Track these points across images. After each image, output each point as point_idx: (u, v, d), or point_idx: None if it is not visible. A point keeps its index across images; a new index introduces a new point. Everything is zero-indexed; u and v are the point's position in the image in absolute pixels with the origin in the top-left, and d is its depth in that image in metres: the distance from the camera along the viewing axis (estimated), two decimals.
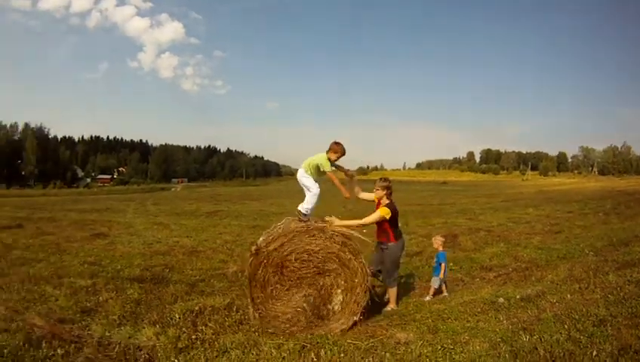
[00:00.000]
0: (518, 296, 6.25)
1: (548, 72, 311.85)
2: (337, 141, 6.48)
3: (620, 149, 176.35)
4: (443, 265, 7.19)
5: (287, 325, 5.83)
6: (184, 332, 5.66)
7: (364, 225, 6.20)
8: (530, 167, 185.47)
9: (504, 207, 24.74)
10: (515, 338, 4.70)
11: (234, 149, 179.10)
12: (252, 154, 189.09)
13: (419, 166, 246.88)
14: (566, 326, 4.83)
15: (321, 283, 5.91)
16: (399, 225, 6.73)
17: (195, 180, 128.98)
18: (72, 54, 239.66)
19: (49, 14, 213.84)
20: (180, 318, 6.25)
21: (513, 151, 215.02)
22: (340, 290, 5.90)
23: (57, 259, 10.74)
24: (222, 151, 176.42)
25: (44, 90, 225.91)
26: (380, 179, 6.68)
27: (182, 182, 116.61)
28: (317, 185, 6.46)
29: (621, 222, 15.38)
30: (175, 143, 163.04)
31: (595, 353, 4.13)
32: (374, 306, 6.47)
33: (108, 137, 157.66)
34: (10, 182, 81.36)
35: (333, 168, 6.56)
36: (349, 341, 5.15)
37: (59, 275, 8.93)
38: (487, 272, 8.74)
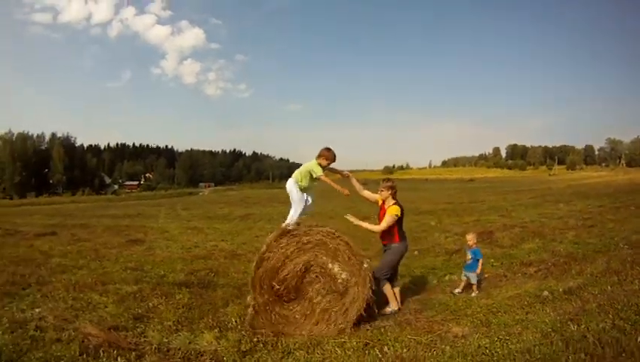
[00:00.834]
0: (561, 289, 6.52)
1: (572, 64, 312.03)
2: (328, 147, 6.64)
3: None
4: (481, 261, 7.33)
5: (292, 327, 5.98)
6: (244, 336, 5.69)
7: (379, 231, 6.51)
8: (557, 161, 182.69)
9: (534, 203, 24.66)
10: (564, 328, 4.92)
11: (259, 152, 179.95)
12: (277, 157, 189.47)
13: (445, 163, 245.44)
14: (610, 316, 5.05)
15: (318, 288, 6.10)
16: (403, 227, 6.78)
17: (221, 184, 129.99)
18: (95, 64, 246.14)
19: (70, 26, 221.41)
20: (236, 322, 6.24)
21: (539, 146, 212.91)
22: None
23: (98, 266, 10.73)
24: (247, 154, 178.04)
25: (70, 100, 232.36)
26: (384, 179, 6.77)
27: (209, 186, 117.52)
28: (303, 196, 6.65)
29: None
30: (200, 148, 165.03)
31: (639, 339, 4.35)
32: (427, 301, 6.93)
33: (134, 144, 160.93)
34: (39, 190, 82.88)
35: (325, 172, 6.68)
36: (409, 336, 5.24)
37: (103, 282, 8.89)
38: (528, 267, 8.80)
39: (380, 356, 4.78)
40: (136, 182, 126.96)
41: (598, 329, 4.68)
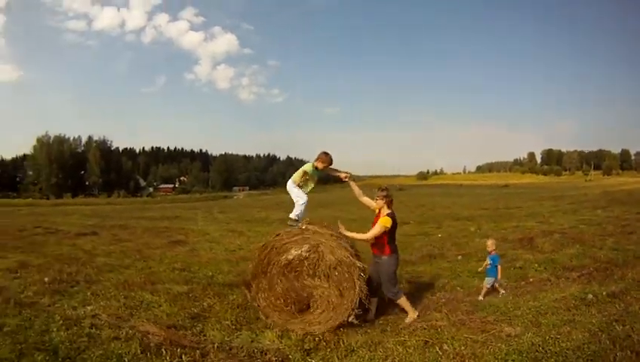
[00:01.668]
0: (604, 293, 6.69)
1: (608, 66, 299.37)
2: (326, 151, 6.93)
3: None
4: (499, 267, 7.53)
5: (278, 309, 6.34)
6: (307, 335, 5.82)
7: (367, 240, 6.52)
8: (592, 166, 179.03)
9: (572, 210, 24.30)
10: (610, 328, 5.17)
11: (294, 157, 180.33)
12: (312, 162, 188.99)
13: (479, 169, 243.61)
14: None
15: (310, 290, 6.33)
16: (396, 238, 6.83)
17: (256, 188, 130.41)
18: (130, 70, 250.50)
19: (104, 33, 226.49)
20: None
21: (575, 151, 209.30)
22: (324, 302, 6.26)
23: (144, 266, 10.80)
24: (281, 159, 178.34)
25: (105, 105, 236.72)
26: (380, 188, 6.77)
27: (243, 190, 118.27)
28: (304, 195, 6.91)
29: None
30: (235, 152, 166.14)
31: None
32: (477, 303, 7.01)
33: (168, 148, 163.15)
34: (74, 191, 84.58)
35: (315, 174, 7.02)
36: (465, 335, 5.38)
37: (152, 281, 8.90)
38: (570, 272, 8.88)
39: (440, 353, 4.94)
40: (170, 186, 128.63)
41: None
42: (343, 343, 5.47)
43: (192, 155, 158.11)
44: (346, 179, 7.06)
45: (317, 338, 5.65)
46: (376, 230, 6.38)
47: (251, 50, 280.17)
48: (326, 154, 6.91)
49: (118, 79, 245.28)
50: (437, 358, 4.85)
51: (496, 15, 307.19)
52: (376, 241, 6.52)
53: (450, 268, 9.83)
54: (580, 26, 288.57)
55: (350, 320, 6.05)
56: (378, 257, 6.59)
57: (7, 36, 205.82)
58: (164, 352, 5.10)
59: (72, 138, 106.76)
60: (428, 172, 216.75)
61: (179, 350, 5.19)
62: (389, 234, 6.48)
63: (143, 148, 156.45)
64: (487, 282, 7.51)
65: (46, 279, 8.79)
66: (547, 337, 5.06)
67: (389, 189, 6.76)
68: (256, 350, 5.32)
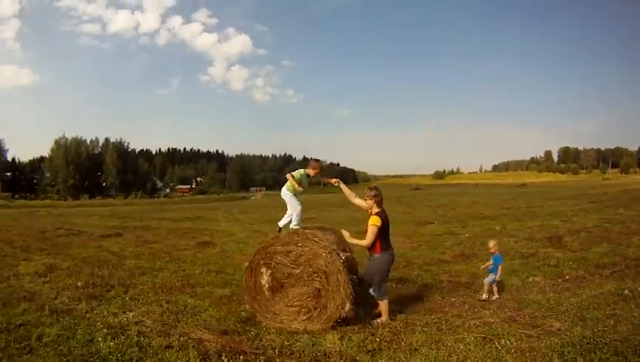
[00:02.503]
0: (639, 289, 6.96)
1: (624, 63, 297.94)
2: (317, 159, 7.52)
3: None
4: (500, 266, 7.68)
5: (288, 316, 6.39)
6: (368, 335, 5.68)
7: (366, 245, 6.48)
8: (610, 164, 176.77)
9: (594, 208, 24.52)
10: None
11: (310, 156, 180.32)
12: (327, 161, 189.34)
13: (495, 168, 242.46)
14: None
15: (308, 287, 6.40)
16: (390, 237, 6.77)
17: (272, 188, 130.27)
18: (145, 72, 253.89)
19: (119, 36, 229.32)
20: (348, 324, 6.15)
21: (592, 149, 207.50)
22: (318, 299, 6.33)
23: (177, 268, 10.54)
24: (298, 159, 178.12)
25: (121, 107, 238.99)
26: (369, 188, 6.79)
27: (260, 190, 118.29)
28: (297, 202, 7.26)
29: None
30: (250, 153, 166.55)
31: None
32: (521, 301, 7.13)
33: (185, 149, 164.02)
34: (91, 193, 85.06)
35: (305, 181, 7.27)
36: (519, 331, 5.49)
37: (190, 284, 8.68)
38: (603, 269, 8.99)
39: (500, 348, 4.99)
40: (187, 186, 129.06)
41: None
42: (404, 342, 5.36)
43: (208, 156, 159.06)
44: (337, 184, 7.21)
45: (377, 339, 5.52)
46: (369, 233, 6.40)
47: (265, 50, 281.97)
48: (317, 161, 7.49)
49: (133, 81, 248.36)
50: (498, 354, 4.87)
51: (512, 13, 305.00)
52: None
53: (486, 268, 9.47)
54: (599, 24, 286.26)
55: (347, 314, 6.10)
56: (371, 256, 6.62)
57: (22, 41, 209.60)
58: (226, 360, 4.91)
59: (89, 140, 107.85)
60: (444, 171, 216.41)
61: (241, 357, 5.01)
62: (381, 232, 6.45)
63: (159, 149, 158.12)
64: (488, 281, 7.65)
65: (79, 283, 8.53)
66: (595, 330, 5.28)
67: (378, 188, 6.78)
68: (319, 353, 5.15)
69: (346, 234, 6.71)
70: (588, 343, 4.89)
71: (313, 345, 5.45)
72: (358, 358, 5.01)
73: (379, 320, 6.49)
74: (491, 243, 7.97)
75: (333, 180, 7.22)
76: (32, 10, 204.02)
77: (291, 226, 7.12)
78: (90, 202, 62.52)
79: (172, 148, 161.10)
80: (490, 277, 7.63)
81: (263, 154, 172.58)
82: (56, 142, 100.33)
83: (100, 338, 5.41)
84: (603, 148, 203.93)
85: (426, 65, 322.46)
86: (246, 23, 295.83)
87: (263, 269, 6.58)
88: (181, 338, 5.45)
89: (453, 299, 7.56)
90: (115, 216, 30.50)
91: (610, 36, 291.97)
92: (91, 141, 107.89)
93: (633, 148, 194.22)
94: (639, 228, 14.29)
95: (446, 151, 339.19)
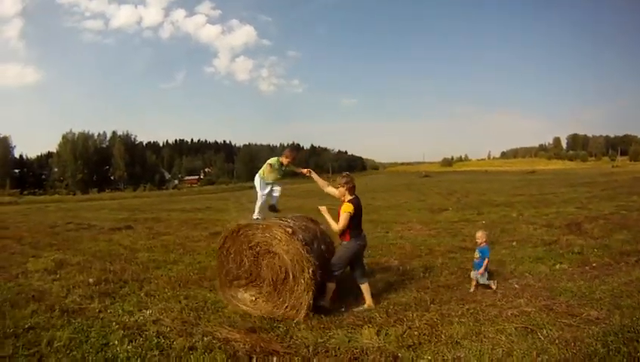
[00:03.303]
0: None
1: (633, 49, 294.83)
2: (291, 148, 8.29)
3: None
4: (487, 260, 7.45)
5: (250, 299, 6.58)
6: (406, 329, 5.43)
7: (339, 231, 6.56)
8: (619, 152, 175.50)
9: (607, 196, 24.63)
10: None
11: (317, 145, 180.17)
12: (335, 150, 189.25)
13: (504, 155, 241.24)
14: None
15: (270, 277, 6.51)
16: (362, 225, 6.91)
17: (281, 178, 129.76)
18: (150, 65, 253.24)
19: (122, 31, 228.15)
20: (382, 316, 6.01)
21: (601, 136, 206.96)
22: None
23: (192, 261, 10.22)
24: (305, 148, 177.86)
25: (127, 101, 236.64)
26: (341, 175, 6.92)
27: None
28: (266, 188, 7.38)
29: None
30: (258, 143, 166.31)
31: None
32: (552, 289, 6.90)
33: (192, 140, 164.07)
34: (100, 186, 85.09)
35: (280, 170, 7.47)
36: (558, 320, 5.39)
37: (207, 278, 8.32)
38: (627, 257, 9.00)
39: (542, 338, 4.88)
40: (195, 177, 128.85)
41: None
42: (444, 335, 5.15)
43: (215, 147, 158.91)
44: (308, 174, 7.46)
45: (416, 333, 5.28)
46: (341, 219, 6.48)
47: (270, 41, 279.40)
48: (290, 150, 7.60)
49: (138, 75, 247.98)
50: (542, 344, 4.74)
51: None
52: None
53: (510, 255, 9.77)
54: (606, 11, 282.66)
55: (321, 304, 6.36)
56: (341, 242, 6.77)
57: (26, 39, 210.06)
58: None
59: (96, 134, 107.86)
60: (452, 158, 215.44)
61: (274, 359, 4.76)
62: (352, 220, 6.52)
63: (167, 141, 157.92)
64: (479, 279, 7.43)
65: (90, 280, 8.18)
66: (633, 318, 5.20)
67: (350, 176, 6.88)
68: (356, 350, 4.90)
69: (322, 208, 6.74)
70: (629, 331, 4.82)
71: (349, 341, 5.18)
72: (400, 354, 4.74)
73: (322, 302, 6.49)
74: (479, 234, 7.75)
75: (305, 170, 7.51)
76: (35, 8, 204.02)
77: (253, 216, 7.25)
78: (99, 196, 62.20)
79: (179, 140, 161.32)
80: (478, 275, 7.42)
81: (271, 144, 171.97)
82: (64, 137, 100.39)
83: (116, 341, 5.03)
84: (612, 136, 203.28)
85: (433, 54, 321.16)
86: (249, 14, 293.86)
87: (232, 256, 6.75)
88: (205, 339, 5.13)
89: (483, 288, 7.35)
90: (124, 208, 30.17)
91: (618, 22, 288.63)
92: (99, 135, 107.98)
93: None
94: None
95: (454, 138, 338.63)
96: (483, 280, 7.36)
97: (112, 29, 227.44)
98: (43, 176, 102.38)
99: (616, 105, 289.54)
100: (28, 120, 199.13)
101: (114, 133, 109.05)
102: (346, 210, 6.44)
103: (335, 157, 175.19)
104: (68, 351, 4.82)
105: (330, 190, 7.04)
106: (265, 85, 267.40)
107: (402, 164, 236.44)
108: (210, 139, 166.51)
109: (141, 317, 5.95)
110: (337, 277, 6.68)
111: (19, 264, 9.93)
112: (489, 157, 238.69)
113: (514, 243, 11.11)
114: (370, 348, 4.91)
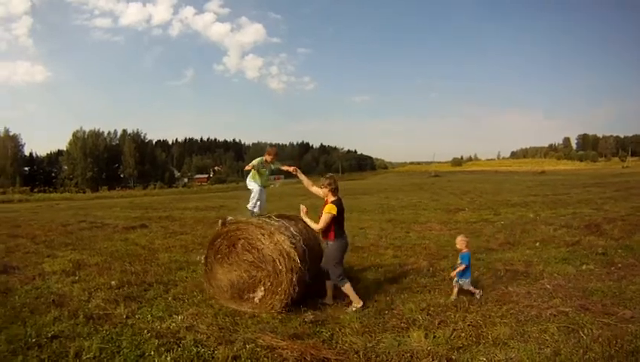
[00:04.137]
0: None
1: None
2: (272, 145, 7.61)
3: None
4: (463, 266, 7.19)
5: (220, 290, 6.87)
6: (454, 331, 5.43)
7: (319, 229, 6.74)
8: (630, 152, 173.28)
9: (621, 197, 24.67)
10: None
11: (327, 144, 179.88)
12: (345, 149, 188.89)
13: (513, 155, 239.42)
14: None
15: (254, 274, 6.70)
16: (345, 224, 7.03)
17: (291, 177, 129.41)
18: (159, 63, 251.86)
19: (131, 29, 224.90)
20: (424, 318, 5.95)
21: (611, 136, 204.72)
22: (263, 288, 6.60)
23: None
24: (315, 147, 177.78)
25: (136, 99, 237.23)
26: (324, 177, 7.07)
27: (278, 178, 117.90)
28: (258, 188, 7.92)
29: None
30: (267, 141, 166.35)
31: None
32: (583, 289, 7.07)
33: (201, 138, 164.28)
34: (110, 184, 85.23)
35: (267, 168, 8.01)
36: (596, 319, 5.58)
37: None
38: None
39: (585, 337, 5.05)
40: (205, 176, 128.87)
41: None
42: (491, 336, 5.23)
43: (225, 145, 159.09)
44: (294, 173, 7.62)
45: (462, 334, 5.32)
46: (322, 219, 6.64)
47: (279, 39, 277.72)
48: (272, 147, 7.93)
49: (147, 73, 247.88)
50: (587, 343, 4.89)
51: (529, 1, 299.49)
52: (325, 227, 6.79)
53: (536, 256, 9.77)
54: (617, 10, 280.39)
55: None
56: (326, 242, 6.90)
57: (35, 37, 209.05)
58: None
59: (107, 132, 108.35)
60: (462, 158, 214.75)
61: None
62: (335, 220, 6.68)
63: (176, 139, 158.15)
64: (463, 285, 7.17)
65: (112, 282, 7.91)
66: None
67: (333, 177, 7.08)
68: (407, 354, 4.85)
69: (303, 209, 6.86)
70: None
71: (399, 344, 5.11)
72: (453, 357, 4.78)
73: (352, 307, 6.56)
74: (458, 239, 7.45)
75: (291, 168, 7.76)
76: (43, 6, 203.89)
77: (248, 206, 7.94)
78: (109, 193, 62.28)
79: (189, 138, 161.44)
80: (463, 280, 7.16)
81: (281, 143, 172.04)
82: (74, 135, 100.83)
83: (152, 352, 4.73)
84: (622, 136, 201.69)
85: (443, 53, 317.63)
86: (259, 12, 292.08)
87: (219, 256, 6.93)
88: (247, 346, 4.92)
89: (517, 289, 7.25)
90: (136, 207, 29.89)
91: (629, 21, 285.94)
92: (109, 133, 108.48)
93: None
94: None
95: (463, 138, 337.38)
96: (467, 286, 7.16)
97: (121, 27, 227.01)
98: (53, 174, 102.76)
99: (626, 105, 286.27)
100: (38, 118, 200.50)
101: (124, 131, 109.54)
102: (329, 210, 6.60)
103: (344, 157, 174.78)
104: None
105: (315, 190, 7.18)
106: (275, 83, 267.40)
107: (411, 163, 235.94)
108: (220, 138, 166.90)
109: (173, 324, 5.66)
110: (345, 277, 6.78)
111: (34, 264, 9.69)
112: (498, 157, 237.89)
113: (537, 244, 11.15)
114: (420, 352, 4.86)
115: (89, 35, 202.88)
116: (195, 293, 7.13)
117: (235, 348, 4.83)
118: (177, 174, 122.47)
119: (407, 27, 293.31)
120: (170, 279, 8.15)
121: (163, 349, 4.77)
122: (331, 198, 6.76)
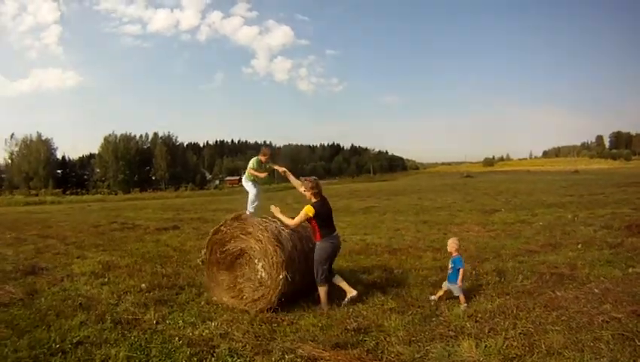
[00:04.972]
0: None
1: None
2: (266, 144, 7.58)
3: None
4: (462, 271, 6.99)
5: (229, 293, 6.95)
6: (503, 340, 5.09)
7: (291, 226, 6.94)
8: None
9: None
10: None
11: (358, 145, 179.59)
12: (376, 150, 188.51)
13: (545, 154, 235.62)
14: None
15: (246, 272, 6.97)
16: (334, 224, 7.17)
17: (321, 178, 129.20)
18: (188, 68, 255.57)
19: (160, 34, 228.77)
20: (472, 326, 5.62)
21: None
22: (258, 285, 6.74)
23: None
24: (346, 148, 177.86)
25: (167, 103, 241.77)
26: (306, 179, 7.19)
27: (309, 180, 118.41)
28: (254, 189, 8.11)
29: None
30: (298, 143, 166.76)
31: None
32: (628, 292, 6.69)
33: (232, 140, 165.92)
34: (142, 186, 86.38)
35: (261, 168, 8.09)
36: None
37: None
38: None
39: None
40: (236, 178, 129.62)
41: None
42: (544, 345, 4.91)
43: (256, 147, 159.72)
44: (283, 174, 7.81)
45: (514, 343, 5.01)
46: (298, 216, 6.83)
47: (307, 41, 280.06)
48: (266, 147, 8.29)
49: (177, 78, 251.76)
50: None
51: None
52: (311, 228, 7.03)
53: (579, 257, 9.35)
54: None
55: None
56: (313, 242, 7.03)
57: (65, 45, 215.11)
58: None
59: (138, 135, 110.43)
60: (494, 158, 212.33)
61: None
62: (319, 221, 6.84)
63: (207, 141, 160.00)
64: (454, 290, 6.94)
65: (142, 285, 7.74)
66: None
67: (315, 181, 7.15)
68: None
69: (275, 209, 7.01)
70: None
71: (449, 355, 4.83)
72: None
73: (322, 307, 6.64)
74: (450, 242, 7.30)
75: (281, 169, 7.88)
76: (72, 15, 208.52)
77: (247, 211, 7.81)
78: (141, 195, 63.13)
79: (220, 141, 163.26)
80: (452, 286, 6.94)
81: (311, 144, 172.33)
82: (106, 138, 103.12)
83: (183, 361, 4.43)
84: None
85: (472, 51, 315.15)
86: (286, 14, 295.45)
87: (217, 254, 7.14)
88: (286, 356, 4.65)
89: (565, 293, 6.88)
90: (168, 208, 30.16)
91: None
92: (140, 136, 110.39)
93: None
94: None
95: (495, 137, 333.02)
96: (458, 292, 6.91)
97: (150, 33, 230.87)
98: (85, 177, 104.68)
99: None
100: (70, 123, 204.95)
101: (155, 134, 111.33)
102: (306, 211, 6.77)
103: (376, 158, 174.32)
104: None
105: (303, 191, 7.26)
106: (304, 85, 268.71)
107: (442, 164, 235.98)
108: (251, 140, 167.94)
109: (206, 331, 5.39)
110: (326, 279, 6.83)
111: (63, 266, 9.64)
112: (530, 157, 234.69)
113: (579, 246, 10.75)
114: None
115: (119, 41, 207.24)
116: None
117: (273, 359, 4.60)
118: (209, 176, 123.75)
119: (435, 26, 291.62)
120: (202, 282, 7.83)
121: (195, 359, 4.51)
122: (312, 200, 6.98)
